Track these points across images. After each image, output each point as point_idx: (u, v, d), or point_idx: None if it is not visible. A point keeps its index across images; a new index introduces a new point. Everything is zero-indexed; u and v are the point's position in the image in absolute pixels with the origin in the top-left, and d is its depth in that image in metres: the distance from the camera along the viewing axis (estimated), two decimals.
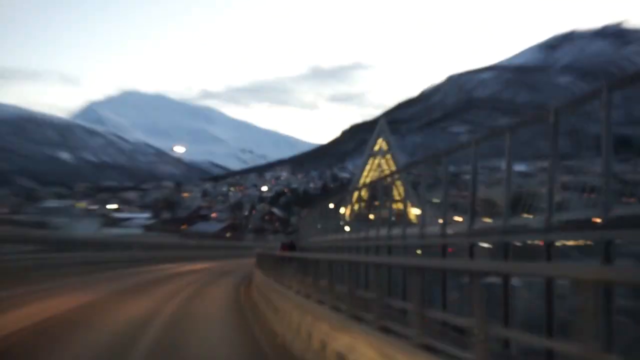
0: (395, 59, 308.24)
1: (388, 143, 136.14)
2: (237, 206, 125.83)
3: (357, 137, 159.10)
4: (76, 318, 10.45)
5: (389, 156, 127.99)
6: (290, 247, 28.10)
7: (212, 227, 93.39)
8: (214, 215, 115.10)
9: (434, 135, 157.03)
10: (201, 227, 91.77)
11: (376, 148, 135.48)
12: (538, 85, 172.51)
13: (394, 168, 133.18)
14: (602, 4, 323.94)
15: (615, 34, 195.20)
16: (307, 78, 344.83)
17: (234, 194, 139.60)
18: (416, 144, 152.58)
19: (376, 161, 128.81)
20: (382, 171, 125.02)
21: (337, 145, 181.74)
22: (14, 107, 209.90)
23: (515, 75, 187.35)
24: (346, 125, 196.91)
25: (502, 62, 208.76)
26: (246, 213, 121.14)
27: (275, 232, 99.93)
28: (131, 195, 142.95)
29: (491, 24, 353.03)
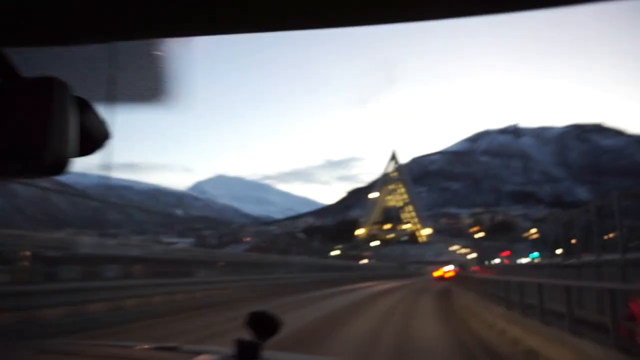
0: (375, 151, 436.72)
1: (399, 168, 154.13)
2: (276, 237, 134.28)
3: (356, 196, 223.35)
4: None
5: (400, 184, 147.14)
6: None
7: (239, 247, 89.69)
8: (247, 239, 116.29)
9: None
10: (231, 248, 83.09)
11: (388, 173, 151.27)
12: (467, 163, 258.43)
13: (403, 191, 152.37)
14: (505, 112, 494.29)
15: (513, 131, 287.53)
16: (323, 166, 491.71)
17: (276, 230, 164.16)
18: None
19: (390, 187, 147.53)
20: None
21: (343, 202, 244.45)
22: (152, 185, 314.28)
23: (453, 156, 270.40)
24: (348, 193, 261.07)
25: (444, 149, 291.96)
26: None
27: (299, 254, 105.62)
28: (208, 232, 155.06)
29: (437, 126, 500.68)
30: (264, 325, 1.14)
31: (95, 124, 0.66)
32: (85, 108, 0.65)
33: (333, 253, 32.50)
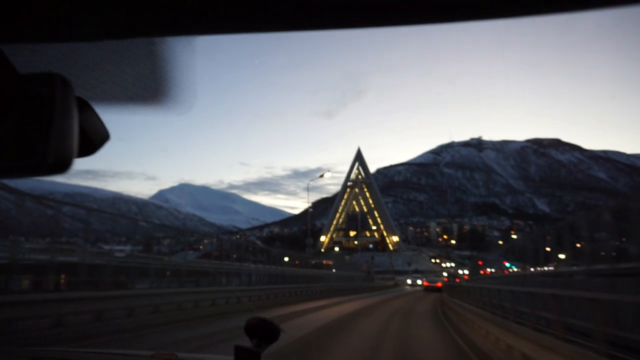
0: (341, 163, 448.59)
1: (365, 170, 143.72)
2: (234, 245, 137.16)
3: (321, 207, 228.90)
4: None
5: (365, 187, 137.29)
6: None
7: (190, 255, 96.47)
8: (201, 247, 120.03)
9: None
10: (180, 255, 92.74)
11: (353, 176, 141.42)
12: (432, 175, 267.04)
13: (369, 195, 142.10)
14: (469, 125, 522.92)
15: (476, 144, 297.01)
16: (290, 177, 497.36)
17: (238, 239, 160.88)
18: None
19: (355, 190, 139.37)
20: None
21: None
22: (113, 192, 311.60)
23: (417, 168, 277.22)
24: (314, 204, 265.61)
25: (409, 160, 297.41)
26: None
27: (256, 262, 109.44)
28: (167, 240, 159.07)
29: (402, 138, 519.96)
30: (263, 332, 1.12)
31: (94, 124, 0.65)
32: (84, 107, 0.63)
33: (287, 260, 26.56)
